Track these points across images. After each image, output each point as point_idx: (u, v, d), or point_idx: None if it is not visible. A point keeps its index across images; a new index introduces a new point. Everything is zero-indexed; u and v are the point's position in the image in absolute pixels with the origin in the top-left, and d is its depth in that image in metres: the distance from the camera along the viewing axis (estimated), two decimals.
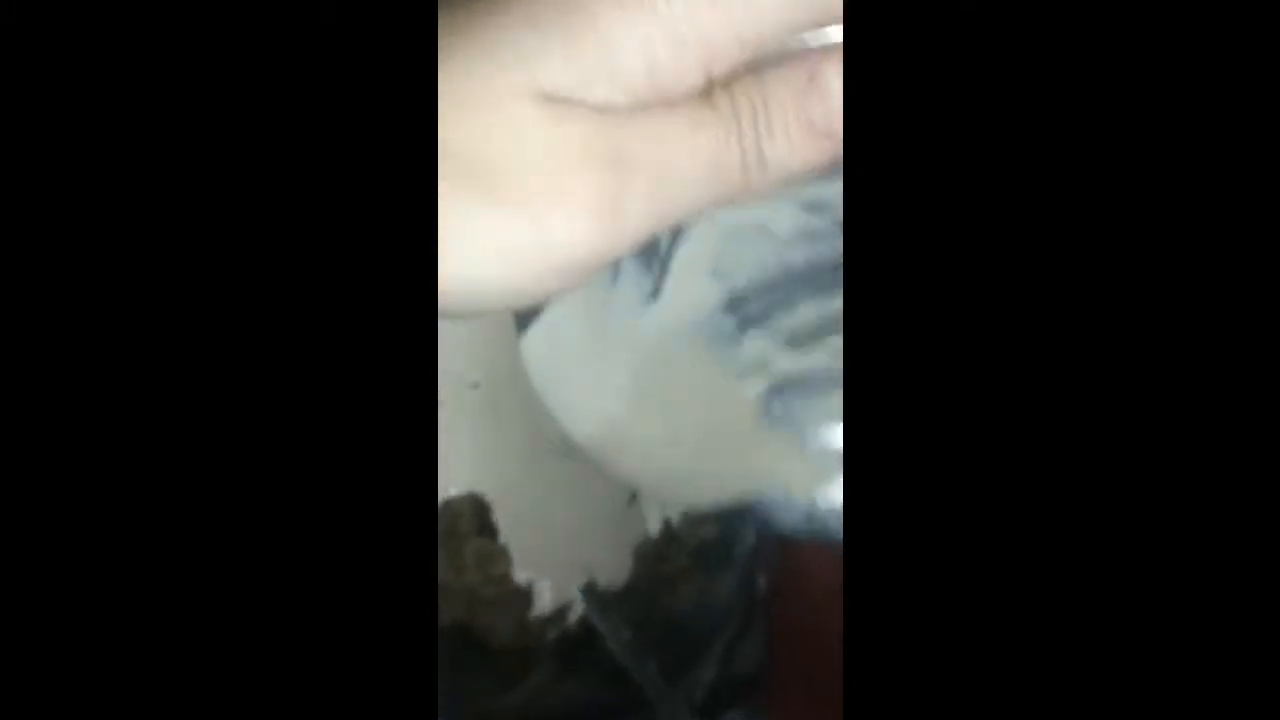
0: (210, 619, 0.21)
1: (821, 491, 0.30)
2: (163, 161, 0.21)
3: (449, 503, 0.41)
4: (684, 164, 0.21)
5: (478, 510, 0.42)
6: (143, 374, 0.21)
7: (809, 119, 0.22)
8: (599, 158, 0.21)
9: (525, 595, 0.43)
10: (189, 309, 0.21)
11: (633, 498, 0.45)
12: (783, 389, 0.31)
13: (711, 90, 0.22)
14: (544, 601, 0.44)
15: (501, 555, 0.43)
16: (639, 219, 0.21)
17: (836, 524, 0.30)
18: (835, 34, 0.22)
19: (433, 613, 0.21)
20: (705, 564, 0.45)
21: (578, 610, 0.44)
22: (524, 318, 0.32)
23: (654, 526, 0.46)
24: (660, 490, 0.32)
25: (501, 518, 0.42)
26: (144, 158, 0.21)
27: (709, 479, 0.32)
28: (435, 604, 0.41)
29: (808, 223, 0.31)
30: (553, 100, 0.20)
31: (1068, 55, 0.21)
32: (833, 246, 0.31)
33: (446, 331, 0.39)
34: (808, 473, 0.30)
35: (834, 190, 0.29)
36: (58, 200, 0.22)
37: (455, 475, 0.41)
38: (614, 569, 0.45)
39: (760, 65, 0.22)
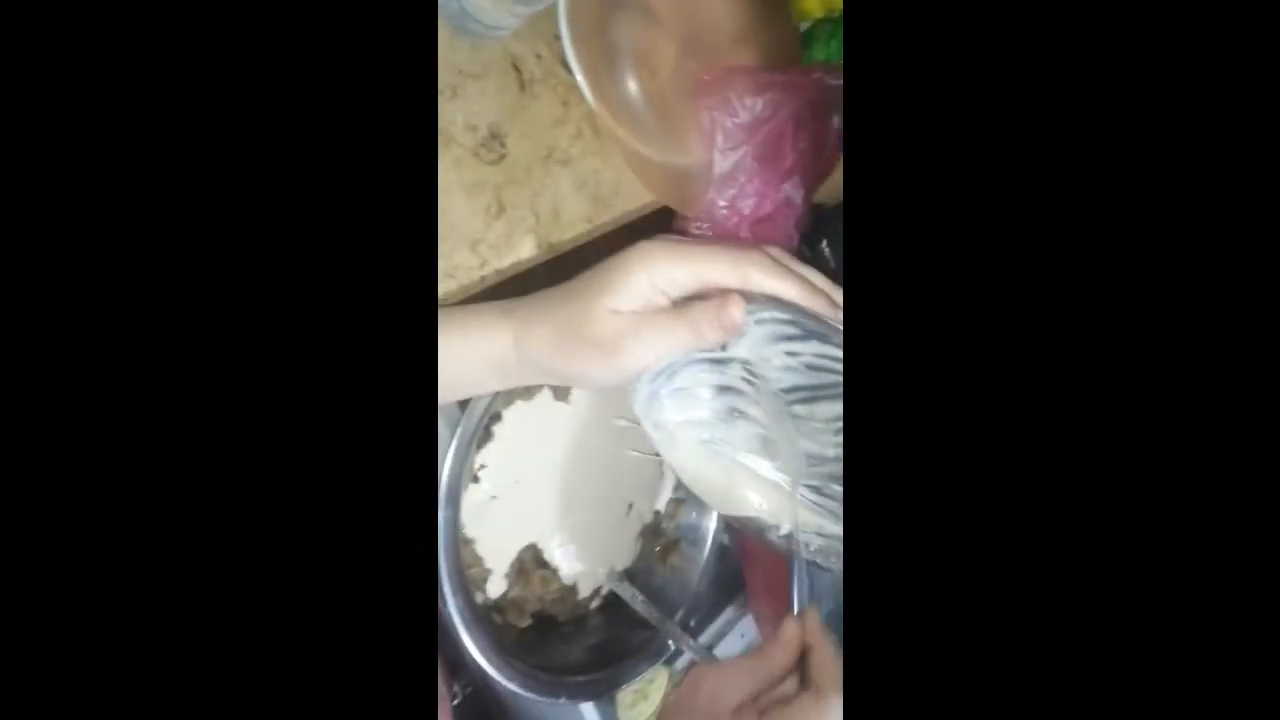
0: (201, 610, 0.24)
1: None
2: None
3: (520, 552, 0.58)
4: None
5: (536, 556, 0.59)
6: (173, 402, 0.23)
7: None
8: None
9: (573, 589, 0.62)
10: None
11: (630, 507, 0.64)
12: None
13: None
14: (585, 588, 0.63)
15: (554, 577, 0.61)
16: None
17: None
18: None
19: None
20: (686, 538, 0.65)
21: (607, 588, 0.63)
22: None
23: (646, 519, 0.65)
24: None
25: (551, 554, 0.60)
26: (147, 176, 0.23)
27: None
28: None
29: None
30: None
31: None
32: None
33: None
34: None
35: None
36: (58, 196, 0.22)
37: (525, 532, 0.58)
38: (624, 554, 0.64)
39: None
